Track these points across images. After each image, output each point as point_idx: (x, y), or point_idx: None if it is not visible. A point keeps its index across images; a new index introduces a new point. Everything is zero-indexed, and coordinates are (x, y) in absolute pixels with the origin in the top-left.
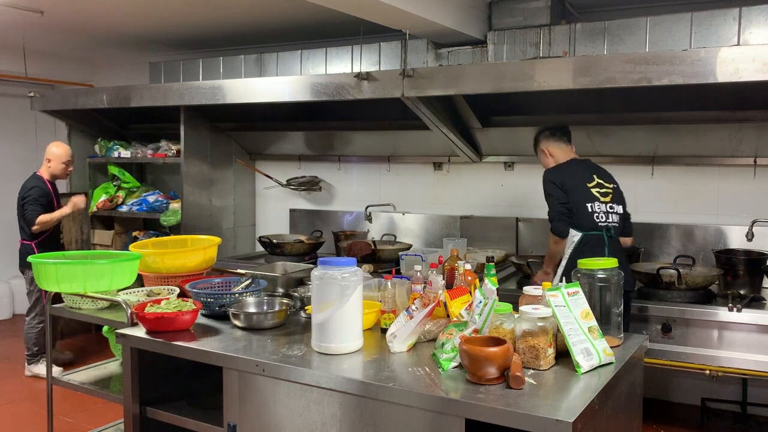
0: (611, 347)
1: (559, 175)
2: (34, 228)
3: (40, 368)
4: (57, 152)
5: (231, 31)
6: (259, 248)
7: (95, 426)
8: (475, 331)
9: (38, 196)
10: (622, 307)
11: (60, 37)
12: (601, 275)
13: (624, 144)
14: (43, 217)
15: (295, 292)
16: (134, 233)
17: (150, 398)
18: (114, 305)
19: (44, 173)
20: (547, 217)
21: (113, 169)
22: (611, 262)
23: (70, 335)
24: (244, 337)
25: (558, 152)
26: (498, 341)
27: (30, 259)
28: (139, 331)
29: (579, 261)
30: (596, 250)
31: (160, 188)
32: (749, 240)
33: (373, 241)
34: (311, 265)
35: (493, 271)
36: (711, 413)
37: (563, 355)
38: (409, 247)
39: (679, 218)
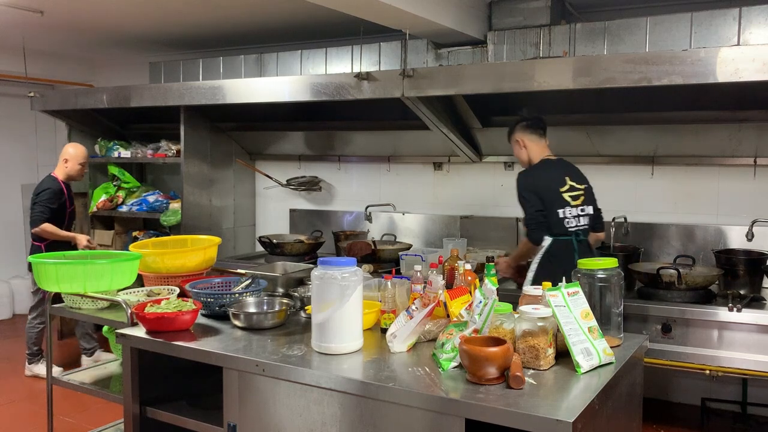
0: (611, 347)
1: (533, 180)
2: (35, 230)
3: (41, 368)
4: (74, 153)
5: (231, 31)
6: (259, 248)
7: (95, 426)
8: (475, 331)
9: (49, 198)
10: (622, 307)
11: (60, 37)
12: (601, 275)
13: (624, 144)
14: (49, 227)
15: (295, 292)
16: (134, 233)
17: (150, 398)
18: (114, 305)
19: (60, 174)
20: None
21: (113, 169)
22: (611, 262)
23: (70, 335)
24: (244, 337)
25: (532, 146)
26: (498, 341)
27: (30, 259)
28: (139, 331)
29: (579, 261)
30: (566, 255)
31: (160, 188)
32: (749, 240)
33: (373, 241)
34: (311, 265)
35: (493, 271)
36: (711, 413)
37: (563, 355)
38: (409, 247)
39: (679, 218)
